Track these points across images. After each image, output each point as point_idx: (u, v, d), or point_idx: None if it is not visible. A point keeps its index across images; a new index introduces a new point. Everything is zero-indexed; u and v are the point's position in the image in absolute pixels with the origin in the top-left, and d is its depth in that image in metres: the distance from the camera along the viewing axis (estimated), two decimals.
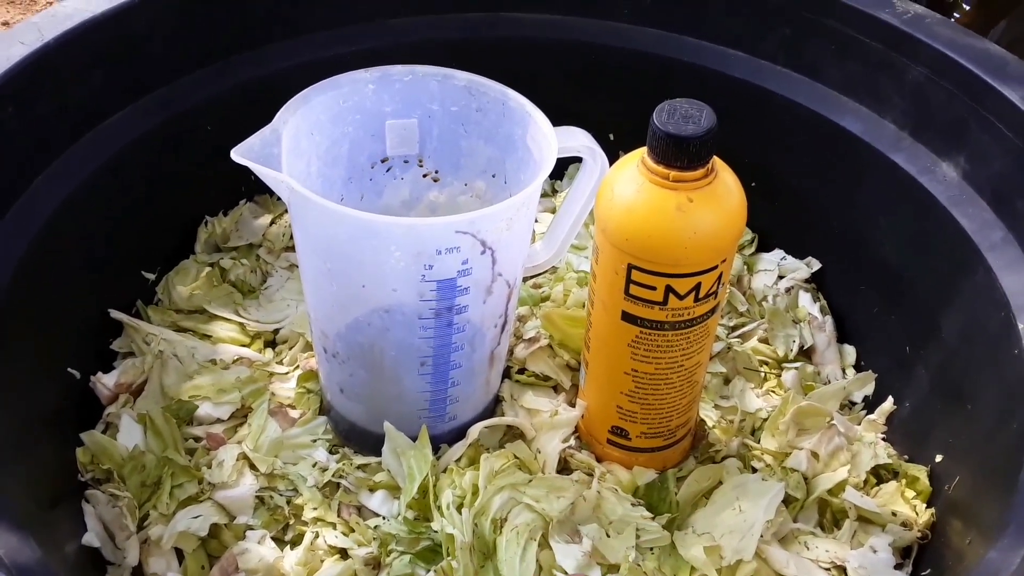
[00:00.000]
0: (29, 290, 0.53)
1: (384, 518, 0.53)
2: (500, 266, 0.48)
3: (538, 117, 0.50)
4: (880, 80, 0.60)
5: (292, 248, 0.69)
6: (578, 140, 0.52)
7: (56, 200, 0.56)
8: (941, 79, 0.57)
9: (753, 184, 0.50)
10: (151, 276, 0.65)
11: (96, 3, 0.58)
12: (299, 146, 0.50)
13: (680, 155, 0.44)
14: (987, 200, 0.55)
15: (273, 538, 0.53)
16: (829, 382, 0.63)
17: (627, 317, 0.50)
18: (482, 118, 0.53)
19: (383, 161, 0.55)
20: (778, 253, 0.70)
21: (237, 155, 0.45)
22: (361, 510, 0.55)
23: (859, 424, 0.60)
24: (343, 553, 0.53)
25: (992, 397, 0.52)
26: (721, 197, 0.46)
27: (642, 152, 0.47)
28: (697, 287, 0.48)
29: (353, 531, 0.53)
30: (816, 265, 0.68)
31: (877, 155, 0.60)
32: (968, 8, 0.83)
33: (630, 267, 0.47)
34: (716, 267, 0.48)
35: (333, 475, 0.55)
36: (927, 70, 0.57)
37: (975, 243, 0.54)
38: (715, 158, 0.47)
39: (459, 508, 0.51)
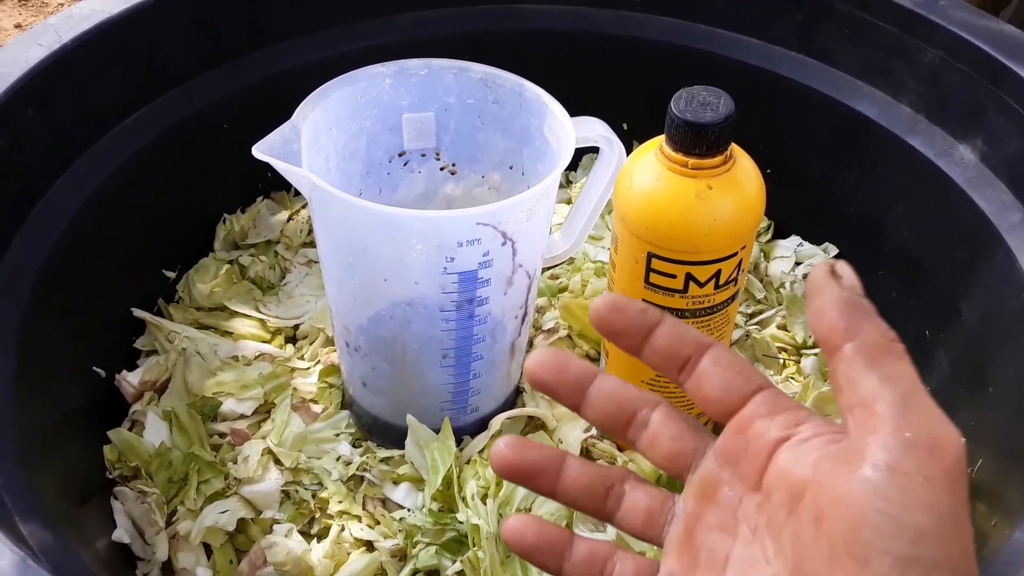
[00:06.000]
0: (53, 291, 0.53)
1: (409, 510, 0.54)
2: (520, 257, 0.49)
3: (555, 108, 0.50)
4: (895, 63, 0.60)
5: (310, 244, 0.69)
6: (595, 130, 0.52)
7: (77, 202, 0.56)
8: (956, 61, 0.57)
9: (769, 171, 0.50)
10: (171, 274, 0.65)
11: (112, 4, 0.58)
12: (318, 141, 0.50)
13: (699, 142, 0.45)
14: (1005, 182, 0.55)
15: (300, 531, 0.54)
16: None
17: None
18: (499, 110, 0.53)
19: (400, 155, 0.56)
20: (795, 239, 0.70)
21: (259, 152, 0.45)
22: (386, 502, 0.55)
23: None
24: (369, 545, 0.53)
25: (1014, 379, 0.52)
26: (740, 184, 0.46)
27: (659, 140, 0.47)
28: (717, 274, 0.48)
29: (378, 523, 0.54)
30: (833, 251, 0.68)
31: (893, 139, 0.60)
32: None
33: (650, 255, 0.48)
34: (736, 254, 0.48)
35: (357, 468, 0.55)
36: (942, 52, 0.57)
37: (994, 225, 0.54)
38: (733, 145, 0.47)
39: (484, 499, 0.52)
